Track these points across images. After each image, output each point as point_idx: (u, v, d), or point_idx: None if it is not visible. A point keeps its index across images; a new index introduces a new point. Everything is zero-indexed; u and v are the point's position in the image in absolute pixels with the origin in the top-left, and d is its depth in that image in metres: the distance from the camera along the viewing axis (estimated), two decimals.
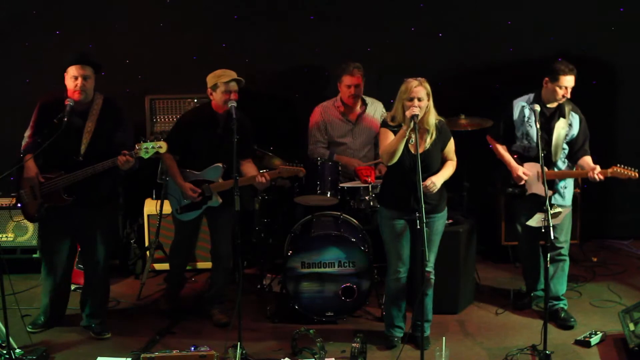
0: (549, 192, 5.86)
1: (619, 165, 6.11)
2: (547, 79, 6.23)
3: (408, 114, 5.58)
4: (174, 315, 6.50)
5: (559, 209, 6.00)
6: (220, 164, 6.26)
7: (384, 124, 5.88)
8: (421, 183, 5.50)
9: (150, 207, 7.35)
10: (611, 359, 5.83)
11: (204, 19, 7.70)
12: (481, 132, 6.73)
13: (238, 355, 5.56)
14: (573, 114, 6.32)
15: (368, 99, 7.10)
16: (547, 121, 6.27)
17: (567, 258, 6.43)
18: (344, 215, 6.56)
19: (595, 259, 7.62)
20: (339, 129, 7.04)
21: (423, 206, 5.43)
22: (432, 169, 5.79)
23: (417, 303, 5.87)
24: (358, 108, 7.06)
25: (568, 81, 6.17)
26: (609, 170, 6.11)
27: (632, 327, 5.91)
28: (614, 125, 7.99)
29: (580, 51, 7.65)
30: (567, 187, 6.37)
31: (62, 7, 7.56)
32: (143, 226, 7.40)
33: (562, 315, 6.35)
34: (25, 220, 6.67)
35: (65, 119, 5.75)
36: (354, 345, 5.65)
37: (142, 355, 5.53)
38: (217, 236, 6.42)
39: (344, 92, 6.97)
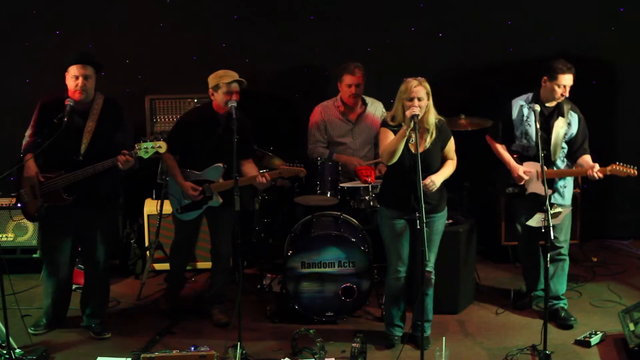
0: (549, 191, 5.86)
1: (618, 162, 6.11)
2: (545, 77, 6.23)
3: (408, 113, 5.58)
4: (174, 315, 6.50)
5: (559, 209, 5.99)
6: (220, 164, 6.26)
7: (384, 123, 5.88)
8: (421, 183, 5.51)
9: (150, 207, 7.35)
10: (611, 359, 5.83)
11: (204, 19, 7.70)
12: (481, 132, 6.72)
13: (238, 355, 5.56)
14: (572, 112, 6.32)
15: (368, 99, 7.10)
16: (546, 120, 6.27)
17: (567, 258, 6.43)
18: (344, 215, 6.56)
19: (595, 259, 7.62)
20: (339, 129, 7.04)
21: (423, 206, 5.43)
22: (432, 169, 5.79)
23: (417, 303, 5.87)
24: (358, 108, 7.06)
25: (566, 80, 6.17)
26: (608, 168, 6.11)
27: (632, 327, 5.90)
28: (614, 125, 7.99)
29: (580, 51, 7.65)
30: (567, 187, 6.37)
31: (62, 7, 7.56)
32: (143, 226, 7.40)
33: (562, 314, 6.35)
34: (25, 220, 6.68)
35: (65, 119, 5.75)
36: (354, 345, 5.65)
37: (142, 355, 5.53)
38: (217, 236, 6.42)
39: (344, 91, 6.97)
